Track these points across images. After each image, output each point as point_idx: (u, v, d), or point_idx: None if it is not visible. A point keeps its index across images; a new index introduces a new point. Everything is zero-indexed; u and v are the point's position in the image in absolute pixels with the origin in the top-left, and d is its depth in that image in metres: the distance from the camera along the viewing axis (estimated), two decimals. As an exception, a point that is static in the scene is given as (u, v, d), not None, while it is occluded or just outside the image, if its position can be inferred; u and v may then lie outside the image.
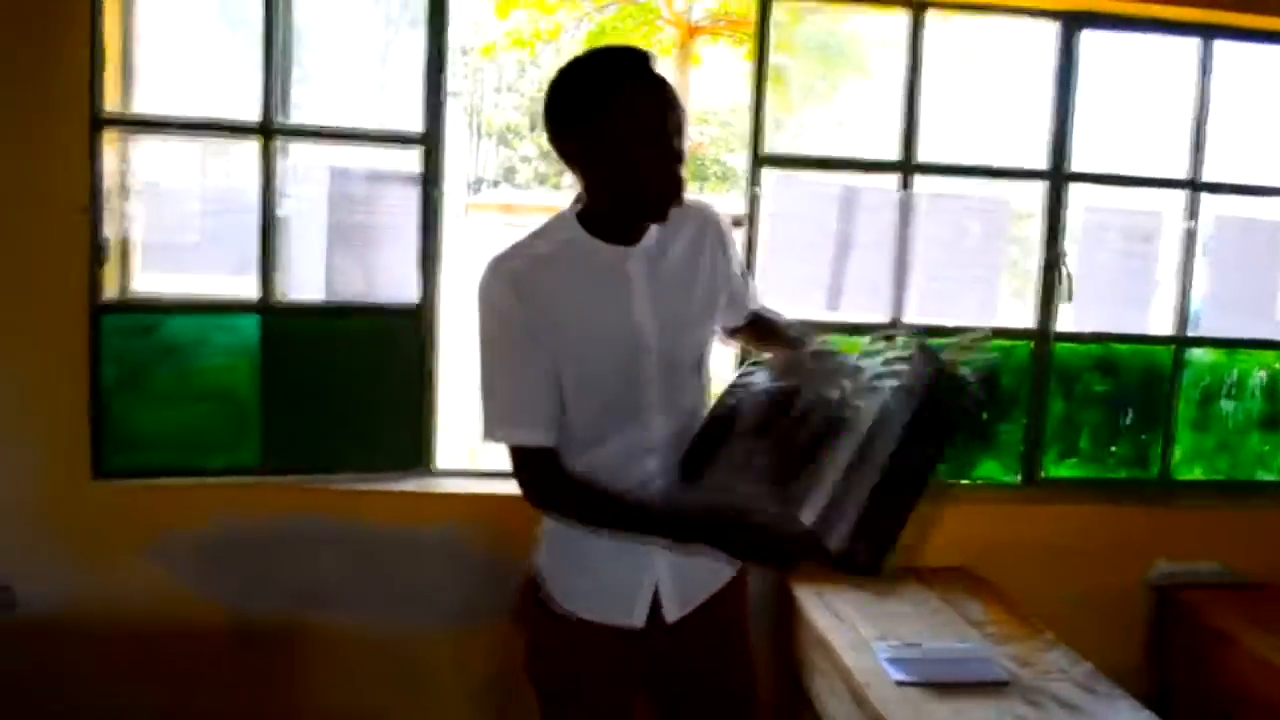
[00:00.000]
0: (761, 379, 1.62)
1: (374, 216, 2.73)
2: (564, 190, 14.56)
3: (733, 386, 1.66)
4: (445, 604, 2.76)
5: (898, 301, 2.93)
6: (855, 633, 2.39)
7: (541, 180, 14.66)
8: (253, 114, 2.62)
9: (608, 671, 1.70)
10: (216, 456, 2.71)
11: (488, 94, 15.23)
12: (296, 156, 2.69)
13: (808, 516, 1.37)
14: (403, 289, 2.75)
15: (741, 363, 2.09)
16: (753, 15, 2.85)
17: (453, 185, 15.21)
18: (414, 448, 2.82)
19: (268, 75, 2.62)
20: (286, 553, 2.71)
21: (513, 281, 1.53)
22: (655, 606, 1.66)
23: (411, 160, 2.73)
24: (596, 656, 1.68)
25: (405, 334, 2.76)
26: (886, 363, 1.52)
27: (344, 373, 2.75)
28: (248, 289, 2.67)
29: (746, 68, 2.97)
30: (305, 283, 2.71)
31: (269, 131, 2.63)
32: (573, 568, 1.68)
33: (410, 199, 2.72)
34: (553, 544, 1.70)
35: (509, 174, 15.00)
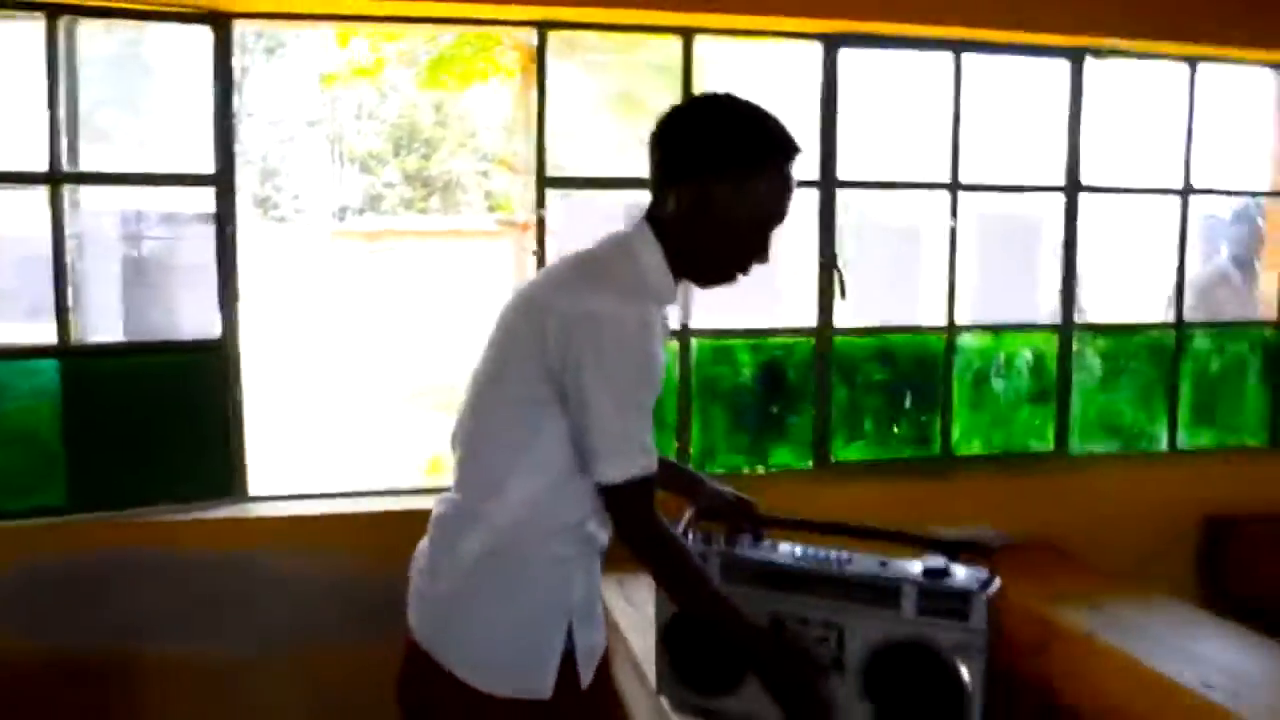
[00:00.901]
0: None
1: (171, 256, 2.83)
2: (430, 214, 14.59)
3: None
4: (270, 626, 2.85)
5: (685, 306, 3.15)
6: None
7: (407, 205, 14.70)
8: (40, 163, 2.69)
9: None
10: (20, 499, 2.76)
11: (348, 121, 15.19)
12: (88, 201, 2.77)
13: None
14: (204, 324, 2.85)
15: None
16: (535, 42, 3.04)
17: (316, 213, 15.20)
18: (225, 475, 2.92)
19: (53, 124, 2.69)
20: (103, 587, 2.76)
21: (647, 323, 1.52)
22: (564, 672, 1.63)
23: (206, 199, 2.83)
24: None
25: (210, 367, 2.87)
26: None
27: (150, 408, 2.84)
28: (46, 334, 2.73)
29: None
30: (103, 324, 2.80)
31: (56, 179, 2.69)
32: (484, 637, 1.60)
33: (207, 237, 2.82)
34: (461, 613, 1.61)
35: (374, 201, 15.00)
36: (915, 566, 1.78)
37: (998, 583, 1.75)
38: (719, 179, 1.54)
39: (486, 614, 1.59)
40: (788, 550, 1.88)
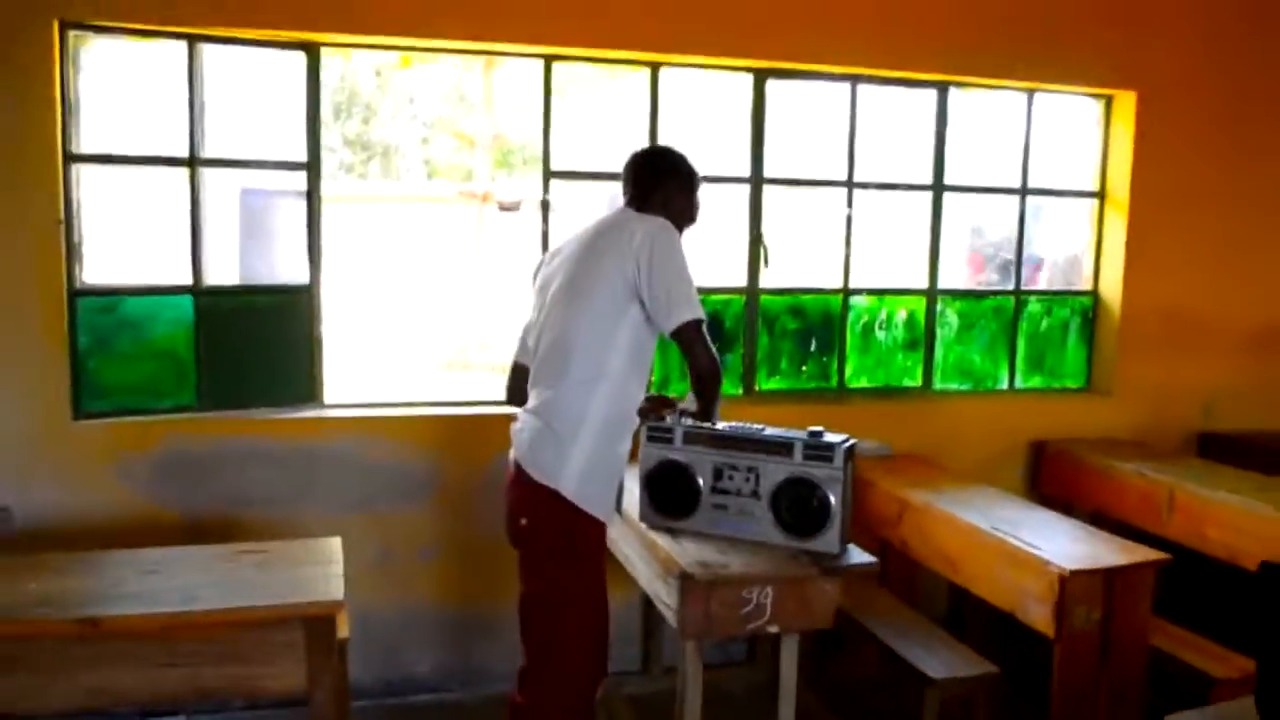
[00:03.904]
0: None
1: (272, 221, 3.79)
2: (369, 179, 15.02)
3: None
4: (340, 497, 3.82)
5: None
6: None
7: (348, 169, 15.11)
8: (182, 150, 3.64)
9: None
10: (164, 399, 3.72)
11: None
12: (214, 179, 3.71)
13: None
14: (296, 273, 3.83)
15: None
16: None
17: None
18: (309, 387, 3.91)
19: (191, 121, 3.63)
20: (221, 466, 3.71)
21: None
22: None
23: (299, 180, 3.79)
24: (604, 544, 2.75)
25: (299, 306, 3.84)
26: None
27: (256, 335, 3.80)
28: (183, 277, 3.69)
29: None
30: (224, 270, 3.75)
31: (194, 162, 3.65)
32: (586, 472, 2.62)
33: (299, 208, 3.79)
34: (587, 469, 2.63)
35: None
36: (802, 433, 2.87)
37: (851, 441, 2.85)
38: (677, 189, 2.83)
39: (589, 456, 2.63)
40: (725, 425, 2.96)
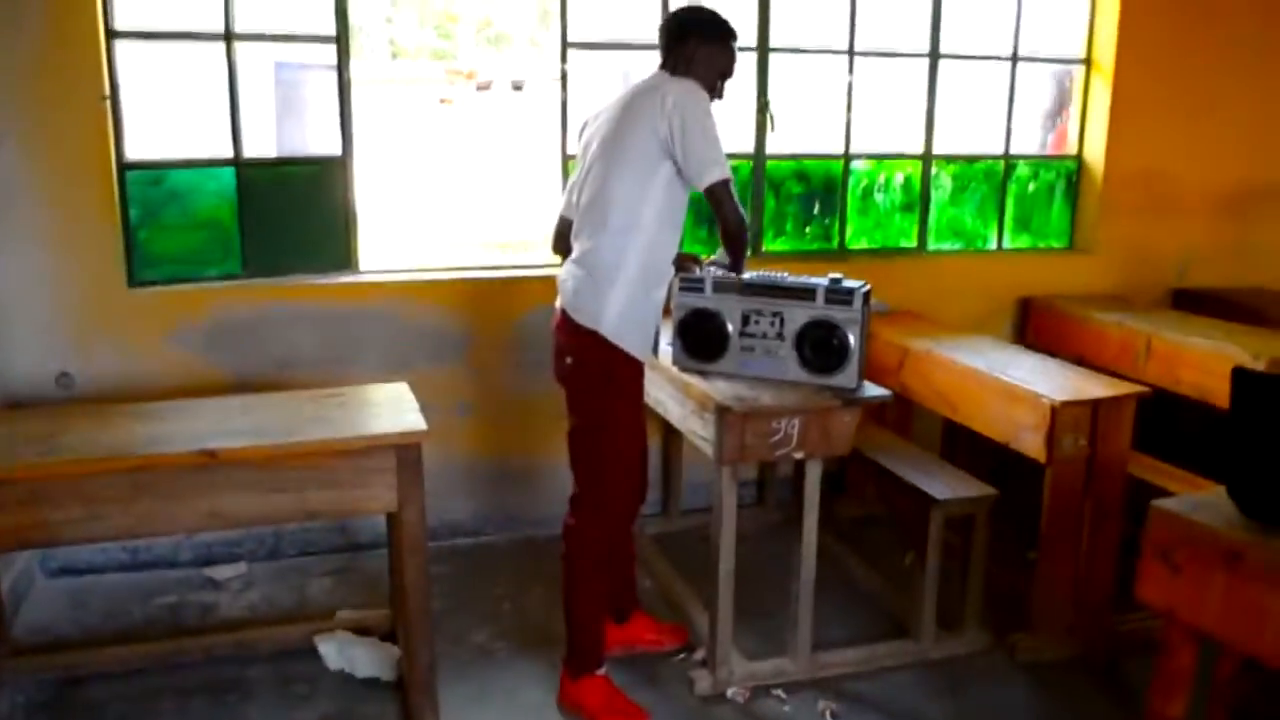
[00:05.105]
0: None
1: (306, 94, 3.94)
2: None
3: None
4: (378, 357, 4.08)
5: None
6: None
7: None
8: (218, 25, 3.76)
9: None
10: (211, 268, 3.93)
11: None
12: (249, 53, 3.84)
13: None
14: (329, 145, 4.00)
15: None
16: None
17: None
18: (345, 254, 4.12)
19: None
20: (267, 330, 3.94)
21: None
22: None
23: (329, 54, 3.93)
24: (640, 380, 3.01)
25: (334, 176, 4.02)
26: None
27: (296, 205, 3.98)
28: (224, 150, 3.85)
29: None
30: (262, 143, 3.92)
31: (230, 37, 3.77)
32: (624, 314, 2.87)
33: (330, 81, 3.94)
34: (624, 312, 2.88)
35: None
36: (823, 279, 3.14)
37: (869, 287, 3.12)
38: (703, 44, 2.94)
39: (625, 301, 2.88)
40: (750, 274, 3.22)
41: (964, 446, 4.31)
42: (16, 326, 3.69)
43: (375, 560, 3.89)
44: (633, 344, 2.93)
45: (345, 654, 3.20)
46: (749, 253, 3.60)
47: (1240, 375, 2.15)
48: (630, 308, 2.90)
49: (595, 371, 2.93)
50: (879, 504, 4.37)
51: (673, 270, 3.06)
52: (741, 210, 2.93)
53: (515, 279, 4.22)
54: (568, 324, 2.94)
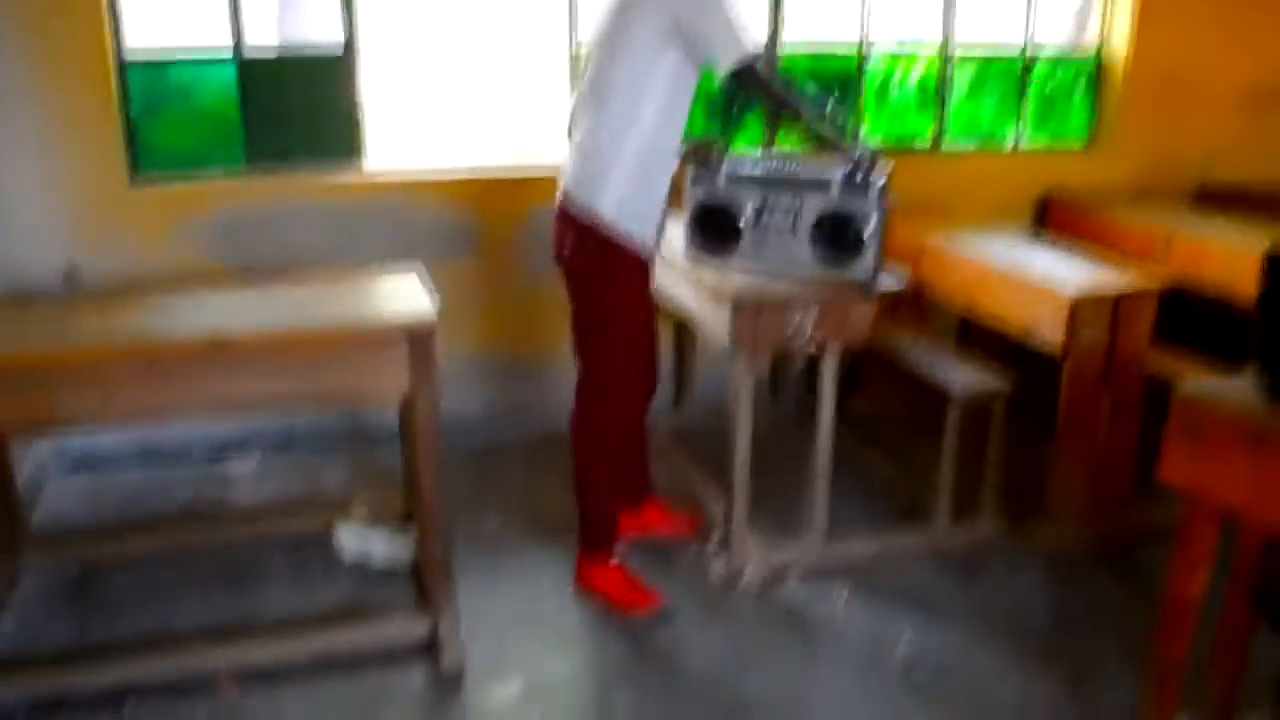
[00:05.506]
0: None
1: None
2: None
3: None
4: (384, 249, 3.98)
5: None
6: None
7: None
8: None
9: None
10: (215, 161, 3.86)
11: None
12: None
13: None
14: (333, 36, 3.89)
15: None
16: None
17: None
18: (350, 150, 4.04)
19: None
20: (270, 223, 3.88)
21: None
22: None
23: (329, -62, 3.81)
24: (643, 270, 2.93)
25: (338, 68, 3.92)
26: None
27: (299, 98, 3.90)
28: (225, 41, 3.75)
29: None
30: (263, 35, 3.82)
31: (227, -79, 3.66)
32: (636, 214, 2.81)
33: (332, -31, 3.83)
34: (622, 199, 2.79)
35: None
36: (839, 171, 3.06)
37: (884, 179, 3.04)
38: None
39: (623, 187, 2.81)
40: (767, 164, 3.15)
41: (980, 344, 4.28)
42: (21, 224, 3.66)
43: (388, 454, 3.89)
44: (632, 233, 2.86)
45: (361, 542, 3.22)
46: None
47: (1274, 260, 2.11)
48: (628, 195, 2.82)
49: (593, 259, 2.88)
50: (893, 401, 4.35)
51: (677, 160, 2.97)
52: (782, 85, 2.82)
53: (522, 179, 4.14)
54: (565, 211, 2.90)
